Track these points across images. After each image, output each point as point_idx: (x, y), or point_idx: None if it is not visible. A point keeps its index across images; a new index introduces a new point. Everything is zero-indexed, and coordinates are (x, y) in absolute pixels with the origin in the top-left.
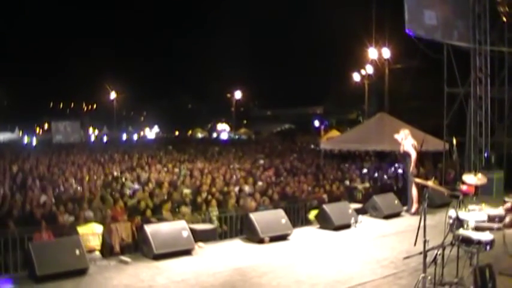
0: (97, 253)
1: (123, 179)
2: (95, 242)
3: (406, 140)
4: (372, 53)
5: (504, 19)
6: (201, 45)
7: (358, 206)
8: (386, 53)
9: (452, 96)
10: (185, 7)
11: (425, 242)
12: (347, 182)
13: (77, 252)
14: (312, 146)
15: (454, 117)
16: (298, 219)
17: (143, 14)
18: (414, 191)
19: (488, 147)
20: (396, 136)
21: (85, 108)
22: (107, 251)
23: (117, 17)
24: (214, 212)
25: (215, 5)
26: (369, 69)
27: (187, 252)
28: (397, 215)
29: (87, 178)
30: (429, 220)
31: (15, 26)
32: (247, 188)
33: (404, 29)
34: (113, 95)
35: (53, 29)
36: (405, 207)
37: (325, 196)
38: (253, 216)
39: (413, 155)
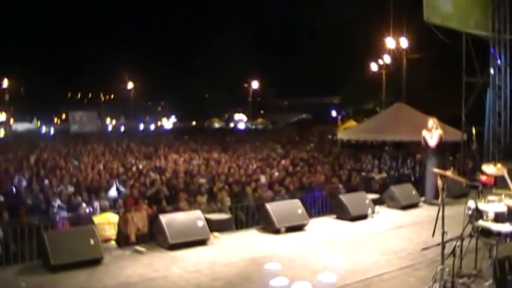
0: (113, 243)
1: (141, 169)
2: (111, 232)
3: (437, 130)
4: (390, 42)
5: None
6: (218, 35)
7: (375, 196)
8: (404, 42)
9: (470, 86)
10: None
11: (443, 233)
12: (364, 173)
13: (92, 241)
14: (329, 136)
15: (472, 107)
16: (315, 209)
17: (161, 5)
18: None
19: (508, 138)
20: (429, 124)
21: (102, 99)
22: (123, 240)
23: (134, 8)
24: (228, 202)
25: None
26: (387, 58)
27: (202, 242)
28: (414, 205)
29: (102, 168)
30: (447, 211)
31: (34, 17)
32: (263, 178)
33: (423, 18)
34: (130, 85)
35: (71, 20)
36: (422, 198)
37: (341, 186)
38: (269, 206)
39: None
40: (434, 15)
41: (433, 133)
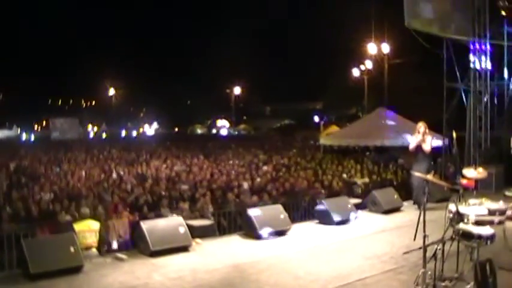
0: (94, 250)
1: (122, 175)
2: (92, 239)
3: (428, 135)
4: (371, 48)
5: (503, 13)
6: (200, 41)
7: (357, 201)
8: (385, 48)
9: (451, 91)
10: (184, 2)
11: (425, 237)
12: (346, 177)
13: (72, 249)
14: (312, 142)
15: (454, 111)
16: (297, 214)
17: (141, 10)
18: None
19: (488, 142)
20: (421, 129)
21: (84, 105)
22: (104, 247)
23: (116, 13)
24: (210, 208)
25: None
26: (368, 64)
27: (184, 248)
28: (396, 209)
29: (83, 175)
30: (429, 215)
31: (14, 23)
32: (246, 184)
33: (404, 24)
34: (111, 91)
35: (51, 26)
36: (405, 203)
37: (323, 191)
38: (251, 212)
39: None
40: (415, 21)
41: (425, 138)
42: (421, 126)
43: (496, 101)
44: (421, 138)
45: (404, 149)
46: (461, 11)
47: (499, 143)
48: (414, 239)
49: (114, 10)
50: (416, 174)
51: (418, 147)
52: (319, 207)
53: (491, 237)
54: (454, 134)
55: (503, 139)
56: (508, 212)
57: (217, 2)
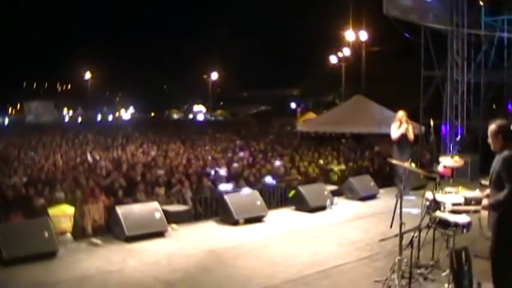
0: (68, 235)
1: (97, 160)
2: (67, 224)
3: (409, 124)
4: (349, 35)
5: (481, 3)
6: (178, 25)
7: (334, 187)
8: (363, 35)
9: (429, 79)
10: None
11: (401, 224)
12: (323, 164)
13: (46, 234)
14: (289, 128)
15: (431, 100)
16: (274, 200)
17: None
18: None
19: (464, 131)
20: (398, 117)
21: (59, 89)
22: (79, 233)
23: None
24: (188, 193)
25: None
26: (346, 51)
27: (160, 234)
28: (373, 196)
29: (59, 159)
30: (405, 202)
31: None
32: (222, 170)
33: (382, 11)
34: (87, 75)
35: (28, 9)
36: (382, 190)
37: (300, 178)
38: (227, 197)
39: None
40: (394, 9)
41: (408, 125)
42: (403, 115)
43: (472, 91)
44: (406, 126)
45: (381, 136)
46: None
47: (474, 132)
48: (391, 227)
49: None
50: (394, 162)
51: (402, 136)
52: (296, 193)
53: (468, 226)
54: (432, 123)
55: (479, 128)
56: (484, 201)
57: None
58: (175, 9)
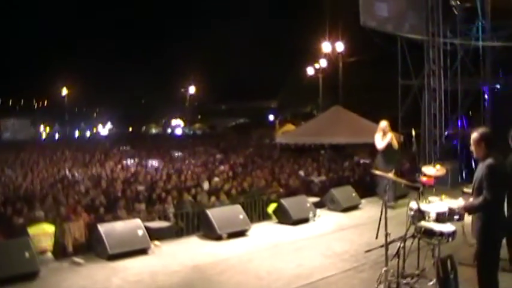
0: (49, 254)
1: (76, 177)
2: (47, 243)
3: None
4: (326, 46)
5: (456, 12)
6: (154, 39)
7: (315, 199)
8: (340, 46)
9: (406, 88)
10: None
11: (386, 234)
12: (303, 175)
13: (27, 254)
14: (267, 140)
15: (409, 109)
16: (256, 214)
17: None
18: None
19: (443, 139)
20: (382, 127)
21: (36, 105)
22: (60, 251)
23: (69, 12)
24: (171, 209)
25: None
26: (323, 62)
27: (143, 251)
28: (355, 207)
29: (38, 176)
30: (388, 212)
31: None
32: (204, 184)
33: (359, 22)
34: (64, 91)
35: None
36: (363, 200)
37: (282, 190)
38: (210, 212)
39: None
40: (370, 20)
41: (393, 135)
42: (386, 125)
43: (449, 99)
44: (391, 136)
45: (360, 146)
46: (415, 10)
47: (453, 140)
48: (376, 237)
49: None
50: (378, 173)
51: (388, 146)
52: (278, 206)
53: (453, 234)
54: (413, 132)
55: (458, 136)
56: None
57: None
58: (153, 23)
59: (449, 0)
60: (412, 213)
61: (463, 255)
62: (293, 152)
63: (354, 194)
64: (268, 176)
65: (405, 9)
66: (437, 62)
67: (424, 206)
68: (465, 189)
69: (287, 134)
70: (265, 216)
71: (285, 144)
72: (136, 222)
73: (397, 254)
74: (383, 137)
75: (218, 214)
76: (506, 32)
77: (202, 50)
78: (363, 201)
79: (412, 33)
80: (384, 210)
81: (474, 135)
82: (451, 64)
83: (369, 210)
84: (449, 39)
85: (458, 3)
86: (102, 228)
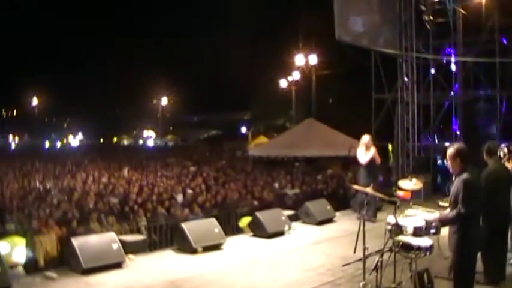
0: (20, 269)
1: (47, 189)
2: (18, 257)
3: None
4: (299, 59)
5: (429, 27)
6: (126, 50)
7: (290, 212)
8: (313, 59)
9: (379, 102)
10: (109, 10)
11: (364, 248)
12: (277, 188)
13: None
14: (240, 153)
15: (382, 122)
16: (230, 227)
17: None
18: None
19: (416, 152)
20: (364, 141)
21: (5, 115)
22: (31, 266)
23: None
24: (143, 222)
25: (143, 8)
26: (296, 75)
27: (117, 265)
28: (329, 220)
29: (7, 188)
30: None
31: None
32: (177, 197)
33: (333, 36)
34: (34, 101)
35: None
36: (338, 213)
37: (256, 203)
38: (185, 226)
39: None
40: (345, 34)
41: (375, 150)
42: (369, 139)
43: (422, 112)
44: (374, 150)
45: (333, 159)
46: (389, 24)
47: (426, 153)
48: (354, 252)
49: (39, 13)
50: (356, 187)
51: (371, 160)
52: (253, 219)
53: (430, 248)
54: (390, 147)
55: (431, 149)
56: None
57: (144, 12)
58: (125, 34)
59: (422, 15)
60: (389, 227)
61: (438, 268)
62: (266, 165)
63: (328, 207)
64: (241, 189)
65: (380, 24)
66: (411, 76)
67: (401, 220)
68: (441, 203)
69: (260, 146)
70: (239, 230)
71: (258, 157)
72: (111, 235)
73: (376, 268)
74: (366, 151)
75: (193, 227)
76: (477, 48)
77: (175, 61)
78: (337, 214)
79: (386, 48)
80: (361, 224)
81: (450, 151)
82: (424, 78)
83: (344, 223)
84: (422, 54)
85: (431, 18)
86: (76, 241)
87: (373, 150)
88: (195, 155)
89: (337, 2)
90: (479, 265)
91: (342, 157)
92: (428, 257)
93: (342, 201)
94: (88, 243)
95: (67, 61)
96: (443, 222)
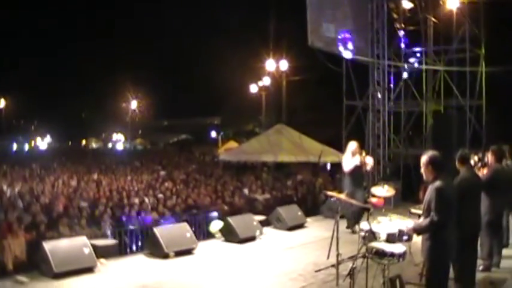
0: None
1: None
2: None
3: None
4: (270, 65)
5: (400, 35)
6: (96, 52)
7: (261, 217)
8: (284, 65)
9: (350, 108)
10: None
11: (338, 254)
12: (247, 193)
13: None
14: (210, 157)
15: (352, 129)
16: (200, 232)
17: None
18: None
19: (386, 159)
20: (351, 148)
21: None
22: None
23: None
24: (108, 226)
25: (118, 10)
26: (266, 80)
27: (89, 269)
28: (300, 226)
29: None
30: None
31: None
32: (147, 200)
33: (304, 41)
34: (1, 103)
35: None
36: (308, 219)
37: (226, 208)
38: (157, 230)
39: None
40: (318, 41)
41: (364, 158)
42: (356, 146)
43: (392, 120)
44: (359, 158)
45: (303, 165)
46: (362, 32)
47: (395, 161)
48: (328, 257)
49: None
50: (329, 193)
51: (356, 168)
52: (224, 224)
53: (403, 255)
54: (364, 153)
55: (401, 156)
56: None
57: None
58: (95, 36)
59: (394, 23)
60: (363, 233)
61: (409, 274)
62: (236, 170)
63: (299, 213)
64: (212, 194)
65: (352, 31)
66: (382, 84)
67: (374, 227)
68: (412, 210)
69: (230, 151)
70: (210, 234)
71: (228, 162)
72: (82, 239)
73: (350, 274)
74: (352, 158)
75: (165, 232)
76: (448, 56)
77: (145, 65)
78: (308, 220)
79: (358, 55)
80: (335, 230)
81: (423, 159)
82: (395, 86)
83: (315, 229)
84: (393, 62)
85: (403, 26)
86: (47, 245)
87: (357, 158)
88: (164, 159)
89: (311, 8)
90: (451, 272)
91: (312, 163)
92: (398, 264)
93: (311, 207)
94: (59, 247)
95: (36, 62)
96: (417, 231)
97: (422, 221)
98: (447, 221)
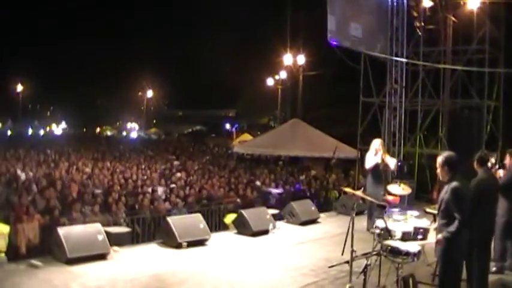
0: (2, 255)
1: (31, 177)
2: (1, 244)
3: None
4: (287, 59)
5: (419, 33)
6: (113, 42)
7: (274, 211)
8: (301, 59)
9: (365, 105)
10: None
11: (352, 251)
12: (260, 186)
13: None
14: (224, 149)
15: (367, 126)
16: (213, 223)
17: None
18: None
19: (401, 157)
20: (375, 146)
21: None
22: (13, 252)
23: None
24: (122, 214)
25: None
26: (283, 74)
27: (102, 256)
28: (313, 221)
29: None
30: (346, 227)
31: None
32: (160, 190)
33: (327, 39)
34: (19, 88)
35: None
36: (322, 214)
37: (239, 200)
38: (170, 220)
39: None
40: (345, 40)
41: (385, 154)
42: (380, 143)
43: (408, 118)
44: (381, 156)
45: (317, 160)
46: (385, 31)
47: (410, 159)
48: (342, 254)
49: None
50: (346, 190)
51: (377, 165)
52: (238, 217)
53: (418, 254)
54: (386, 154)
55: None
56: (432, 234)
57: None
58: (113, 24)
59: (413, 21)
60: (378, 231)
61: (421, 274)
62: (249, 163)
63: (313, 208)
64: (225, 186)
65: (377, 31)
66: (399, 82)
67: (390, 225)
68: (428, 209)
69: (244, 143)
70: (221, 226)
71: (241, 154)
72: (97, 226)
73: (364, 271)
74: (375, 156)
75: (179, 222)
76: (467, 56)
77: (162, 55)
78: (322, 215)
79: (382, 54)
80: (351, 226)
81: (439, 159)
82: (413, 84)
83: (328, 225)
84: (412, 60)
85: (423, 25)
86: (62, 231)
87: (379, 155)
88: (178, 149)
89: (338, 8)
90: (463, 273)
91: (326, 158)
92: (412, 263)
93: (324, 202)
94: (73, 233)
95: (54, 49)
96: (448, 238)
97: (450, 226)
98: (469, 219)
